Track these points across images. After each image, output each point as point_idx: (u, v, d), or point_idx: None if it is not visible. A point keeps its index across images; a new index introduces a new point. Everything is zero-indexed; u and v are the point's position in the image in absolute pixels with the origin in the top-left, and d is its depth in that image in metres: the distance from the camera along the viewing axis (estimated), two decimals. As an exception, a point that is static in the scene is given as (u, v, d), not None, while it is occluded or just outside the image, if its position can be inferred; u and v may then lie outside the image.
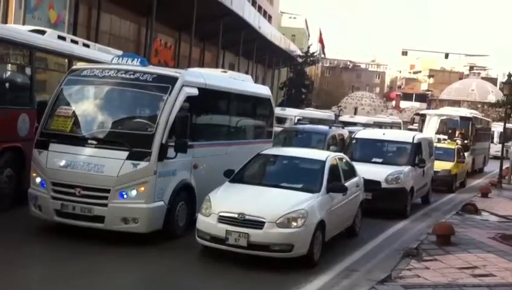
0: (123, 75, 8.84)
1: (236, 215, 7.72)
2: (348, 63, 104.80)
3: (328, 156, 9.48)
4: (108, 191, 8.16)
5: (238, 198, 8.28)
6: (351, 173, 10.31)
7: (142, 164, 8.18)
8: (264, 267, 7.79)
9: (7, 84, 10.40)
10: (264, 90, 13.46)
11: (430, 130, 23.89)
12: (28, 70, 10.48)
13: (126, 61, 9.14)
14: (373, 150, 14.37)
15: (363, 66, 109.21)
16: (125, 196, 8.17)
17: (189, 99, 8.94)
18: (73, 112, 8.84)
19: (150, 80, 8.74)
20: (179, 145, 8.49)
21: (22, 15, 17.76)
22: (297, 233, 7.73)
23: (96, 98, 9.08)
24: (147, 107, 9.01)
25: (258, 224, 7.64)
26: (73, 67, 9.96)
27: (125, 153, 8.16)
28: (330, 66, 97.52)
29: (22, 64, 10.64)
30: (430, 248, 9.46)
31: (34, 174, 8.63)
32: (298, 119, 26.64)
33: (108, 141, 8.39)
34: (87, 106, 9.07)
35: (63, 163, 8.34)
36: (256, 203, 8.02)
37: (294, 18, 76.10)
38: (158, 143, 8.25)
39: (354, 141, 15.01)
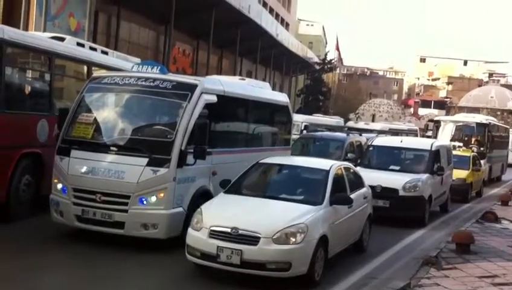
0: (143, 83, 8.95)
1: (229, 230, 7.06)
2: (366, 70, 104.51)
3: (332, 166, 8.79)
4: (128, 197, 8.24)
5: (232, 211, 7.65)
6: (358, 183, 9.67)
7: (162, 171, 8.24)
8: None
9: (26, 90, 10.46)
10: (282, 98, 13.50)
11: (444, 137, 23.31)
12: (47, 77, 10.54)
13: (146, 69, 9.26)
14: (390, 158, 14.25)
15: (380, 73, 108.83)
16: (145, 202, 8.24)
17: (208, 106, 8.98)
18: (95, 119, 8.98)
19: (170, 87, 8.85)
20: (198, 152, 8.53)
21: (42, 23, 17.98)
22: (296, 250, 7.05)
23: (116, 106, 9.22)
24: (167, 114, 9.13)
25: (253, 240, 6.96)
26: (94, 74, 10.11)
27: (145, 160, 8.24)
28: (348, 73, 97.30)
29: (41, 70, 10.72)
30: (450, 257, 9.38)
31: (56, 180, 8.73)
32: (305, 126, 26.15)
33: (129, 148, 8.50)
34: (108, 113, 9.21)
35: (84, 169, 8.46)
36: (251, 217, 7.41)
37: (312, 25, 76.19)
38: (177, 150, 8.33)
39: (370, 148, 14.88)
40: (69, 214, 8.51)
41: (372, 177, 12.33)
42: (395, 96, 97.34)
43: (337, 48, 64.59)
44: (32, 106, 10.30)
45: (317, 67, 59.12)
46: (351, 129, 24.80)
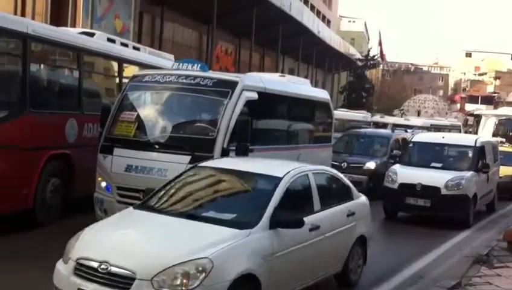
0: (184, 80, 8.93)
1: (96, 265, 4.89)
2: (410, 65, 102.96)
3: (289, 172, 6.26)
4: None
5: (116, 236, 5.46)
6: (343, 194, 7.27)
7: None
8: None
9: (54, 88, 9.93)
10: (322, 94, 13.38)
11: (486, 132, 22.26)
12: (75, 73, 10.05)
13: (186, 67, 9.23)
14: (432, 154, 13.54)
15: (425, 68, 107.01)
16: None
17: (249, 103, 8.88)
18: (137, 117, 8.94)
19: (210, 84, 8.78)
20: (240, 150, 8.40)
21: (89, 25, 18.42)
22: None
23: (158, 103, 9.19)
24: (208, 111, 9.01)
25: (124, 282, 4.74)
26: (135, 73, 10.01)
27: (188, 158, 8.12)
28: (391, 69, 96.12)
29: (69, 67, 10.19)
30: (501, 255, 9.12)
31: (100, 179, 8.68)
32: None
33: (171, 146, 8.41)
34: (149, 111, 9.16)
35: (127, 167, 8.42)
36: (134, 247, 5.14)
37: (354, 22, 75.67)
38: (220, 147, 8.23)
39: (410, 145, 14.22)
40: (113, 212, 8.02)
41: (412, 175, 12.21)
42: (441, 92, 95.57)
43: (380, 44, 63.84)
44: (60, 104, 9.70)
45: (360, 63, 58.65)
46: (401, 126, 24.10)
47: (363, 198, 7.74)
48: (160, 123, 8.89)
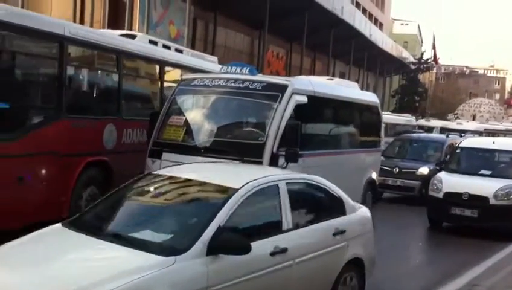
0: (232, 84, 8.72)
1: None
2: (465, 68, 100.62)
3: (250, 182, 5.09)
4: None
5: (15, 258, 4.44)
6: (331, 209, 6.00)
7: None
8: None
9: (91, 92, 9.54)
10: (371, 98, 12.95)
11: None
12: (114, 77, 9.54)
13: (235, 70, 9.02)
14: (480, 161, 12.68)
15: (480, 71, 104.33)
16: None
17: (298, 107, 8.64)
18: (185, 121, 8.81)
19: (260, 88, 8.58)
20: (290, 155, 8.05)
21: (145, 31, 18.90)
22: None
23: (206, 107, 9.02)
24: (257, 116, 8.81)
25: None
26: (184, 76, 9.77)
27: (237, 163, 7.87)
28: (445, 72, 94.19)
29: (107, 70, 9.67)
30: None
31: None
32: None
33: (220, 150, 8.13)
34: (198, 115, 8.99)
35: None
36: (26, 275, 4.10)
37: (407, 24, 74.58)
38: (269, 152, 8.02)
39: (458, 151, 13.26)
40: None
41: (458, 183, 11.58)
42: (497, 96, 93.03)
43: (434, 48, 62.72)
44: (98, 109, 9.22)
45: (413, 67, 57.79)
46: (453, 131, 23.46)
47: (361, 212, 6.31)
48: (209, 127, 8.73)
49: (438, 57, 65.29)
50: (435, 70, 74.33)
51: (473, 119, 45.48)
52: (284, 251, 4.94)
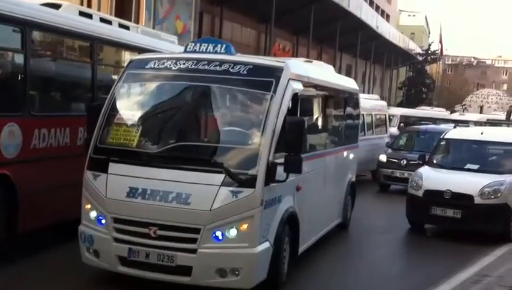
0: (206, 67, 6.32)
1: None
2: (472, 59, 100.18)
3: None
4: (198, 231, 5.67)
5: None
6: None
7: (245, 192, 5.69)
8: None
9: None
10: (352, 84, 10.81)
11: None
12: (17, 58, 6.95)
13: (206, 48, 6.57)
14: (467, 154, 11.24)
15: (488, 62, 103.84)
16: (221, 238, 5.70)
17: (295, 98, 6.51)
18: (141, 119, 6.42)
19: (245, 72, 6.24)
20: (292, 163, 5.96)
21: (151, 26, 18.92)
22: None
23: (171, 100, 6.66)
24: (244, 111, 6.47)
25: None
26: (134, 57, 7.12)
27: (220, 177, 5.71)
28: (452, 63, 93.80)
29: (9, 48, 6.83)
30: None
31: (88, 207, 6.14)
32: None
33: (195, 160, 6.00)
34: (159, 111, 6.62)
35: (130, 191, 5.87)
36: None
37: (414, 16, 74.29)
38: (265, 161, 5.80)
39: (442, 143, 11.66)
40: (108, 254, 5.95)
41: (440, 179, 10.18)
42: (505, 87, 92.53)
43: (440, 40, 62.46)
44: None
45: (420, 58, 57.59)
46: (455, 122, 23.23)
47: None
48: (176, 128, 6.50)
49: (445, 49, 65.03)
50: (440, 62, 74.01)
51: (481, 110, 45.25)
52: None
